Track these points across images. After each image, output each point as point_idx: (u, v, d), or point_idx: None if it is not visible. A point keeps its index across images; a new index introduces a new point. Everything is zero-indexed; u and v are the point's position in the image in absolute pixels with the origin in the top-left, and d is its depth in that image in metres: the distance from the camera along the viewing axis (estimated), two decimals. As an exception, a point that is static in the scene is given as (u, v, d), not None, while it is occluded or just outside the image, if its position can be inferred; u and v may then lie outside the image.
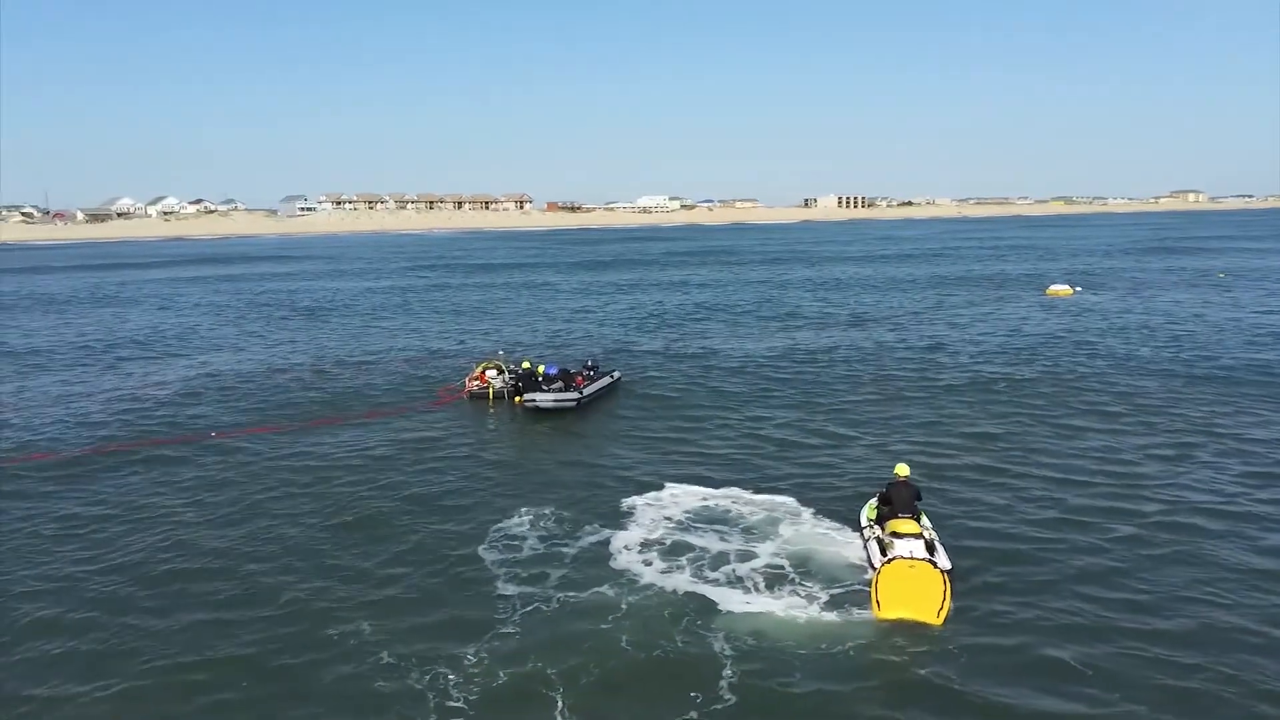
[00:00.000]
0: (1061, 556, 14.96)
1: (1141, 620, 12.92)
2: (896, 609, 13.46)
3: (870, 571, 14.72)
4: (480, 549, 15.59)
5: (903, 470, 16.54)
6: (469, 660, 12.03)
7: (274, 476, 19.43)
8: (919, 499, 16.11)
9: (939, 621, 13.25)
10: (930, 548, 14.94)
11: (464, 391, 25.98)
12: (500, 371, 25.84)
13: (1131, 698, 11.08)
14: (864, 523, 16.53)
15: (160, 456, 21.13)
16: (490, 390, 25.34)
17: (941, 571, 14.27)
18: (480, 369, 26.33)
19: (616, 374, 26.82)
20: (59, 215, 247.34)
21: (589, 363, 26.80)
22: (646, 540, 15.95)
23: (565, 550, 15.56)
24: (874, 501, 16.67)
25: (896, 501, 15.82)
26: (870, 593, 13.94)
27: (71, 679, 11.63)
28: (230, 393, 28.39)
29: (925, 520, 15.89)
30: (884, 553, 14.90)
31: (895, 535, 15.02)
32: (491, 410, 24.71)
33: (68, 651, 12.36)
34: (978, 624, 12.94)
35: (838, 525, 16.64)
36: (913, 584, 13.85)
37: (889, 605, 13.54)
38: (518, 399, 24.71)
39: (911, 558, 14.43)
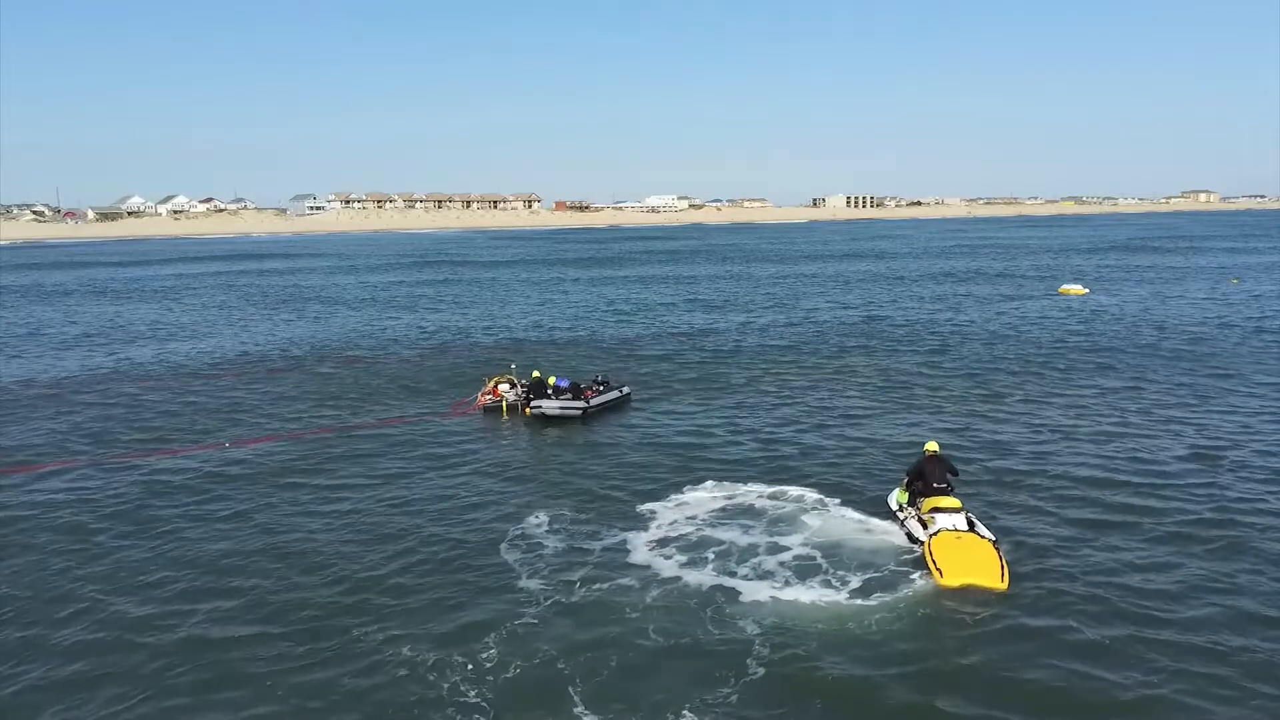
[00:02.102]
0: (1090, 557, 14.74)
1: (1183, 622, 12.78)
2: (960, 575, 13.57)
3: (915, 549, 14.84)
4: (500, 549, 15.50)
5: (932, 446, 16.65)
6: (492, 653, 11.97)
7: (290, 485, 19.16)
8: (954, 474, 16.23)
9: (1004, 585, 13.42)
10: (970, 523, 15.02)
11: (476, 405, 26.08)
12: (512, 385, 25.99)
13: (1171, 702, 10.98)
14: (894, 507, 16.57)
15: (175, 466, 20.82)
16: (503, 403, 25.46)
17: (990, 540, 14.40)
18: (493, 383, 26.51)
19: (626, 389, 26.96)
20: (70, 214, 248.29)
21: (599, 377, 26.97)
22: (669, 536, 15.87)
23: (586, 548, 15.48)
24: (902, 486, 16.69)
25: (929, 475, 15.90)
26: (928, 564, 14.04)
27: (87, 702, 11.19)
28: (242, 400, 28.15)
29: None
30: (926, 528, 14.97)
31: (936, 511, 15.11)
32: (505, 420, 24.76)
33: (80, 673, 11.85)
34: (1012, 620, 12.82)
35: (866, 515, 16.66)
36: (966, 552, 13.97)
37: (951, 572, 13.62)
38: (526, 410, 24.84)
39: (955, 530, 14.52)
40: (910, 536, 15.32)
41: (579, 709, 10.79)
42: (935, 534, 14.50)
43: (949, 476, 16.04)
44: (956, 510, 15.06)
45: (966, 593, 13.40)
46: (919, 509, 15.65)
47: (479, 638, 12.35)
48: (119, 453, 22.03)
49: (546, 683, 11.33)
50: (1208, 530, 15.64)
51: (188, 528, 16.89)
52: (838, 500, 17.41)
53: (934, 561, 13.93)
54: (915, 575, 14.05)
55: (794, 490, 18.02)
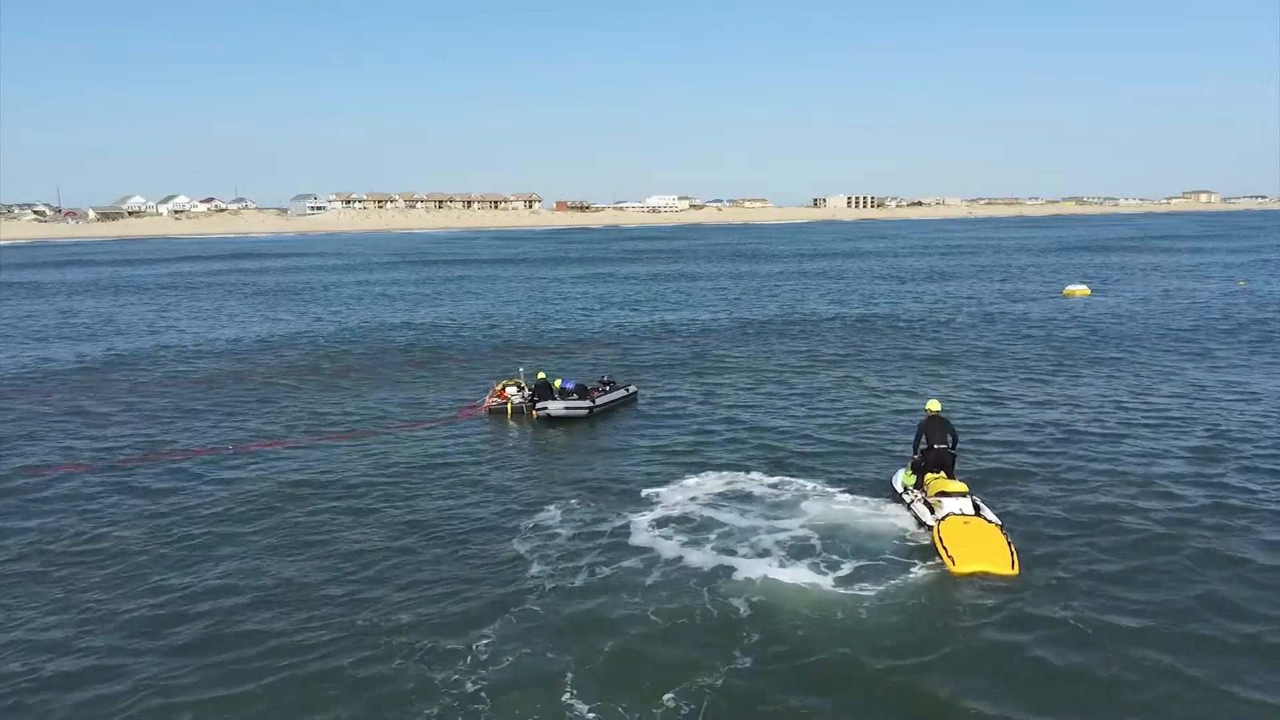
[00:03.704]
0: (1093, 555, 14.54)
1: (1186, 617, 12.75)
2: (971, 562, 13.56)
3: (922, 533, 14.87)
4: (505, 542, 15.52)
5: (933, 405, 16.77)
6: (493, 641, 12.06)
7: (295, 488, 18.87)
8: (954, 437, 16.31)
9: (1015, 572, 13.44)
10: (976, 506, 15.03)
11: (483, 408, 26.01)
12: (520, 389, 25.93)
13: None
14: (900, 489, 16.60)
15: (177, 470, 20.51)
16: (509, 405, 25.38)
17: (997, 525, 14.41)
18: (500, 386, 26.47)
19: (632, 388, 26.93)
20: (71, 213, 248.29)
21: (604, 378, 26.93)
22: (672, 521, 16.07)
23: (589, 537, 15.59)
24: (908, 468, 16.75)
25: (930, 436, 16.00)
26: (938, 550, 14.03)
27: (90, 701, 11.04)
28: (244, 403, 27.80)
29: None
30: (933, 512, 14.96)
31: (943, 495, 15.11)
32: (511, 423, 24.67)
33: (83, 672, 11.66)
34: (1016, 609, 12.81)
35: (870, 500, 16.80)
36: (975, 537, 13.97)
37: (963, 559, 13.62)
38: (532, 412, 24.75)
39: (963, 514, 14.54)
40: (917, 520, 15.35)
41: (570, 693, 10.83)
42: (943, 519, 14.50)
43: (949, 438, 16.17)
44: (963, 495, 15.10)
45: (974, 579, 13.42)
46: (925, 491, 15.63)
47: (481, 628, 12.41)
48: (120, 458, 21.71)
49: (543, 668, 11.40)
50: (1214, 526, 15.54)
51: (191, 529, 16.72)
52: (842, 488, 17.54)
53: (944, 548, 13.92)
54: (919, 559, 14.11)
55: (797, 480, 18.17)
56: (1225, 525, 15.45)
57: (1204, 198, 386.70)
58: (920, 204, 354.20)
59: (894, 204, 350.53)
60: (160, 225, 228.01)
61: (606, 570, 14.10)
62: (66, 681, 11.57)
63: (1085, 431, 21.73)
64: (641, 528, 15.80)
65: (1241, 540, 14.83)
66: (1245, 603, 12.69)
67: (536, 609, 12.94)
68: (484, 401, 26.35)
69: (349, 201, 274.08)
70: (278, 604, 13.49)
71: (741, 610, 12.63)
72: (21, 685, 11.51)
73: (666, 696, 10.66)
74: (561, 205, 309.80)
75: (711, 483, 18.26)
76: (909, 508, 15.82)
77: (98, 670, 11.83)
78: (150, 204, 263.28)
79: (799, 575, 13.64)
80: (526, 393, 25.56)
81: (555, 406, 24.38)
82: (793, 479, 18.27)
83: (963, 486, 15.31)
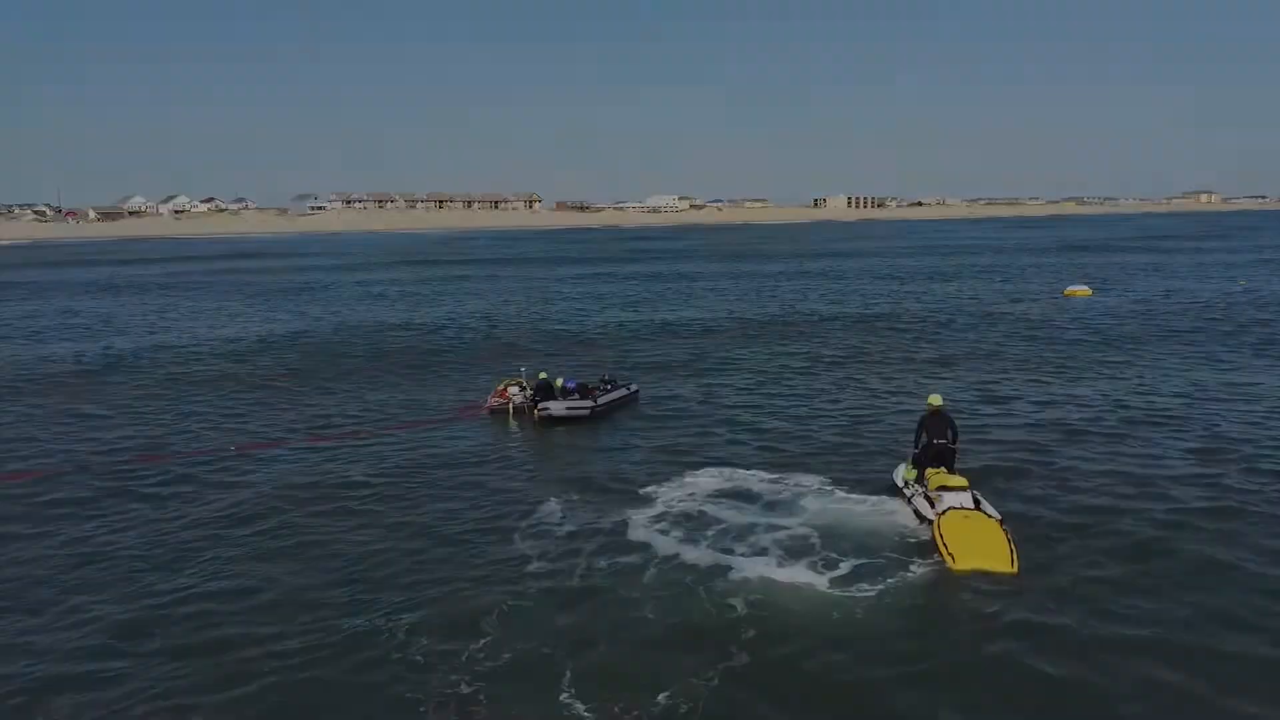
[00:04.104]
0: (1093, 557, 14.37)
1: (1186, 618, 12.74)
2: (970, 560, 13.47)
3: (922, 529, 14.81)
4: (503, 540, 15.53)
5: (936, 400, 16.70)
6: (489, 640, 12.09)
7: (297, 488, 18.77)
8: (954, 432, 16.23)
9: (1014, 570, 13.30)
10: (975, 500, 15.00)
11: (485, 408, 26.00)
12: (522, 388, 25.92)
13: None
14: (900, 483, 16.57)
15: (179, 470, 20.43)
16: (510, 405, 25.37)
17: (997, 520, 14.34)
18: (503, 385, 26.47)
19: (633, 386, 26.91)
20: (71, 213, 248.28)
21: (605, 377, 26.92)
22: (670, 518, 16.12)
23: (588, 535, 15.61)
24: (909, 463, 16.73)
25: (931, 430, 15.95)
26: (938, 547, 13.94)
27: (88, 704, 10.97)
28: (246, 403, 27.75)
29: None
30: (934, 506, 14.92)
31: (943, 489, 15.06)
32: (512, 423, 24.65)
33: (81, 676, 11.62)
34: (1016, 610, 12.79)
35: (869, 497, 16.80)
36: (976, 534, 13.88)
37: (962, 556, 13.52)
38: (536, 413, 24.73)
39: (963, 509, 14.48)
40: (917, 514, 15.33)
41: (568, 692, 10.85)
42: (943, 513, 14.46)
43: (950, 433, 16.14)
44: (963, 489, 15.07)
45: (972, 578, 13.37)
46: (925, 486, 15.62)
47: (479, 627, 12.40)
48: (119, 459, 21.62)
49: (540, 667, 11.41)
50: (1214, 528, 15.45)
51: (190, 531, 16.65)
52: (842, 487, 17.54)
53: (944, 545, 13.84)
54: (918, 557, 14.08)
55: (797, 478, 18.16)
56: (1225, 527, 15.37)
57: (1204, 198, 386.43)
58: (920, 204, 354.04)
59: (894, 204, 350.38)
60: (160, 225, 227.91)
61: (605, 569, 14.12)
62: (65, 684, 11.54)
63: (1086, 431, 21.68)
64: (641, 526, 15.81)
65: (1243, 543, 14.75)
66: (1246, 609, 12.57)
67: (535, 608, 12.95)
68: (485, 401, 26.34)
69: (349, 201, 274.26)
70: (277, 605, 13.46)
71: (739, 609, 12.61)
72: (20, 688, 11.49)
73: (662, 695, 10.66)
74: (561, 205, 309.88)
75: (711, 481, 18.26)
76: (909, 502, 15.81)
77: (96, 673, 11.78)
78: (150, 204, 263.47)
79: (797, 574, 13.62)
80: (528, 392, 25.55)
81: (557, 407, 24.35)
82: (792, 477, 18.26)
83: (963, 481, 15.29)
